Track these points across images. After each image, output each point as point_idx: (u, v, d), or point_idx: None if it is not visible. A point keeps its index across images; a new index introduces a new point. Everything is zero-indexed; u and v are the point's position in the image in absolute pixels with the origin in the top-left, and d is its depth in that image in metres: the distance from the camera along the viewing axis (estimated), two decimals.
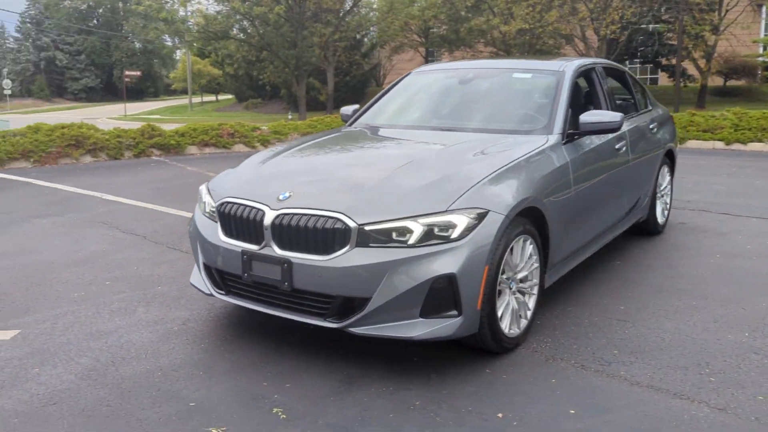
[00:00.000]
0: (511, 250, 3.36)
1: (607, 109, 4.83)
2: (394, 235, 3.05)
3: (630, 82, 5.66)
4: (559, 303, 4.19)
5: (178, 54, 50.40)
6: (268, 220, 3.26)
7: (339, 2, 27.76)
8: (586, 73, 4.95)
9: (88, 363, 3.38)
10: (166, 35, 30.21)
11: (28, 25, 66.77)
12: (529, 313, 3.62)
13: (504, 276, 3.36)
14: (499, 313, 3.31)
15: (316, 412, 2.88)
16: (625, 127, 4.88)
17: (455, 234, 3.06)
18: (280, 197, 3.32)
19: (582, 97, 4.93)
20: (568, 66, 4.62)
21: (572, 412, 2.86)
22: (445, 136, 4.23)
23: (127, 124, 18.83)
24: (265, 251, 3.27)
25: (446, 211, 3.09)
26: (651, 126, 5.51)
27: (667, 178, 6.00)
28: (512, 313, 3.46)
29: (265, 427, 2.76)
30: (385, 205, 3.16)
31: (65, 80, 65.92)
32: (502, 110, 4.51)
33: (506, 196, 3.30)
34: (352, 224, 3.06)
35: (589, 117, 4.12)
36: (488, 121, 4.40)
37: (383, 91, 5.23)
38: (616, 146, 4.65)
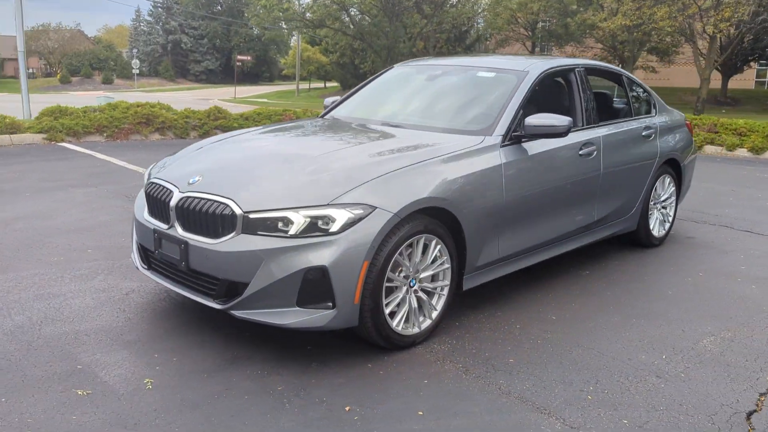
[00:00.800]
0: (411, 248, 3.37)
1: (581, 114, 4.67)
2: (279, 224, 3.15)
3: (627, 86, 5.40)
4: (492, 306, 4.13)
5: (293, 41, 52.01)
6: (174, 202, 3.46)
7: None
8: (561, 75, 4.80)
9: (21, 321, 3.73)
10: (282, 22, 31.16)
11: (159, 9, 71.28)
12: (434, 314, 3.61)
13: (400, 274, 3.38)
14: (388, 310, 3.33)
15: (180, 385, 3.05)
16: (597, 134, 4.69)
17: (334, 228, 3.12)
18: (190, 181, 3.51)
19: (552, 99, 4.78)
20: (533, 66, 4.50)
21: (420, 413, 2.87)
22: (382, 131, 4.27)
23: (236, 107, 19.76)
24: (171, 231, 3.47)
25: (327, 204, 3.16)
26: (645, 133, 5.24)
27: (671, 189, 5.67)
28: (411, 311, 3.47)
29: (129, 393, 2.96)
30: (272, 194, 3.26)
31: (188, 62, 69.88)
32: (452, 109, 4.48)
33: (400, 194, 3.31)
34: (238, 211, 3.20)
35: (533, 120, 4.01)
36: (434, 118, 4.39)
37: (364, 83, 5.31)
38: (581, 152, 4.49)
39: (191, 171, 3.64)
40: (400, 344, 3.46)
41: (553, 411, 2.91)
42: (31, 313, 3.86)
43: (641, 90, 5.67)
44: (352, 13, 26.23)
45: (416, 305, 3.51)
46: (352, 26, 26.76)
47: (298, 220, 3.12)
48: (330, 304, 3.15)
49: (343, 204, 3.17)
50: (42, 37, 71.73)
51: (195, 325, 3.74)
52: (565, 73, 4.81)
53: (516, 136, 4.04)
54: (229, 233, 3.23)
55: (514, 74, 4.47)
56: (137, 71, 55.71)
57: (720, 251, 5.59)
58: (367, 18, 26.04)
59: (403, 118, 4.49)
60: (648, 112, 5.60)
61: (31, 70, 76.14)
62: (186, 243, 3.35)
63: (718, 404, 3.01)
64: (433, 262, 3.55)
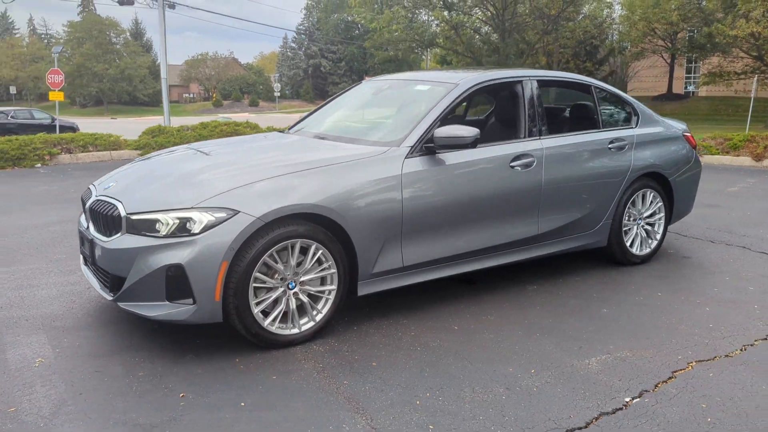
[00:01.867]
0: (289, 251, 3.58)
1: (524, 126, 4.63)
2: (155, 225, 3.49)
3: (596, 97, 5.21)
4: (400, 314, 4.20)
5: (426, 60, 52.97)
6: (88, 204, 3.92)
7: (555, 6, 27.03)
8: (504, 87, 4.79)
9: None
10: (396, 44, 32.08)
11: (303, 36, 75.42)
12: (318, 316, 3.78)
13: (275, 277, 3.59)
14: (258, 309, 3.55)
15: (63, 365, 3.45)
16: (539, 146, 4.61)
17: (196, 229, 3.41)
18: (105, 187, 3.96)
19: (502, 111, 4.78)
20: (465, 79, 4.54)
21: (242, 404, 3.06)
22: (303, 143, 4.50)
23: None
24: (86, 231, 3.93)
25: (191, 207, 3.46)
26: (613, 145, 5.03)
27: (657, 205, 5.36)
28: (289, 312, 3.67)
29: (16, 369, 3.41)
30: (151, 199, 3.62)
31: (327, 84, 73.19)
32: (378, 121, 4.61)
33: (268, 200, 3.52)
34: (123, 213, 3.59)
35: (441, 131, 4.07)
36: (359, 131, 4.56)
37: (332, 96, 5.58)
38: (514, 164, 4.44)
39: (115, 178, 4.09)
40: (275, 343, 3.65)
41: (368, 411, 2.98)
42: (1, 300, 4.48)
43: (617, 101, 5.43)
44: (466, 29, 26.36)
45: (295, 307, 3.69)
46: (461, 43, 26.89)
47: (167, 221, 3.44)
48: (190, 300, 3.43)
49: (206, 207, 3.45)
50: (201, 66, 78.49)
51: (124, 318, 4.15)
52: (508, 85, 4.78)
53: (428, 147, 4.11)
54: (117, 233, 3.61)
55: (444, 87, 4.53)
56: (278, 94, 59.25)
57: (706, 272, 5.20)
58: (478, 34, 26.07)
59: (335, 131, 4.69)
60: (625, 123, 5.36)
61: (191, 95, 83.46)
62: (92, 241, 3.79)
63: (546, 419, 2.93)
64: (317, 266, 3.72)
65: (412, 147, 4.10)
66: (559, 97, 5.83)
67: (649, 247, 5.39)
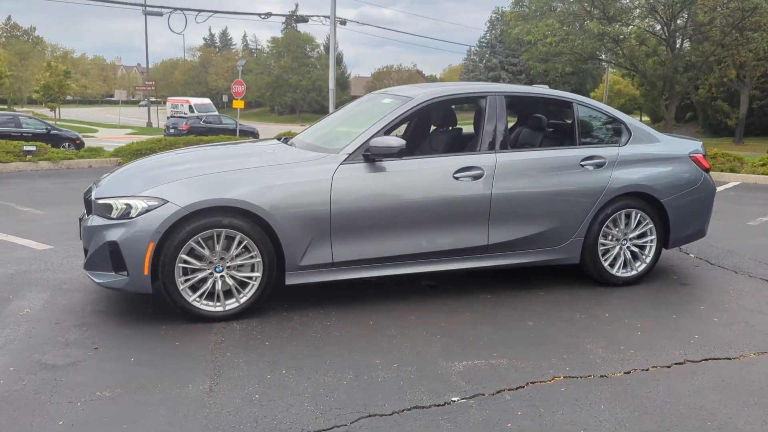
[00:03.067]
0: (214, 239, 4.17)
1: (480, 139, 4.83)
2: (110, 209, 4.23)
3: (576, 113, 5.16)
4: (338, 308, 4.58)
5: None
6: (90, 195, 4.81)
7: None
8: (466, 101, 4.98)
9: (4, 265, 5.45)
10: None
11: (484, 48, 75.86)
12: (243, 299, 4.30)
13: (202, 261, 4.19)
14: (182, 286, 4.17)
15: (35, 315, 4.34)
16: (490, 159, 4.74)
17: (133, 214, 4.12)
18: (103, 178, 4.83)
19: (445, 123, 5.01)
20: (420, 94, 4.83)
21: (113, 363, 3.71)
22: (274, 149, 5.04)
23: None
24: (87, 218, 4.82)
25: (132, 195, 4.18)
26: (587, 163, 4.98)
27: (646, 227, 5.16)
28: (216, 292, 4.25)
29: (2, 311, 4.36)
30: (115, 188, 4.38)
31: None
32: (339, 130, 5.02)
33: (196, 193, 4.14)
34: (92, 198, 4.41)
35: (375, 141, 4.43)
36: (322, 139, 5.04)
37: (334, 110, 6.07)
38: (458, 175, 4.64)
39: (115, 172, 4.93)
40: (199, 317, 4.24)
41: (221, 378, 3.45)
42: (12, 261, 5.57)
43: (606, 119, 5.31)
44: (628, 41, 25.14)
45: (220, 288, 4.26)
46: (623, 56, 25.67)
47: (117, 206, 4.18)
48: (125, 272, 4.14)
49: (143, 196, 4.14)
50: (385, 78, 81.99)
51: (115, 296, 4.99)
52: (471, 100, 4.96)
53: (366, 155, 4.48)
54: (90, 215, 4.44)
55: (401, 100, 4.85)
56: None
57: (682, 294, 4.95)
58: (645, 46, 24.73)
59: (314, 140, 5.13)
60: (611, 141, 5.23)
61: None
62: (81, 222, 4.67)
63: (361, 404, 3.19)
64: (242, 254, 4.27)
65: (350, 154, 4.49)
66: (551, 114, 5.72)
67: (635, 270, 5.21)
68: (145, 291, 4.18)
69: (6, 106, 56.98)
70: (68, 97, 61.59)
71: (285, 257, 4.34)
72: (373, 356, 3.78)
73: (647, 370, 3.67)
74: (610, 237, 5.12)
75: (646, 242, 5.21)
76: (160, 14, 24.48)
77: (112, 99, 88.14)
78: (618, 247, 5.16)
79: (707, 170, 5.45)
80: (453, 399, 3.28)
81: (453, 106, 5.57)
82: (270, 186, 4.26)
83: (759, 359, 3.85)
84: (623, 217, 5.10)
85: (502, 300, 4.83)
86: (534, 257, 4.96)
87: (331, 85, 25.24)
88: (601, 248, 5.08)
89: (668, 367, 3.71)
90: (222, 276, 4.26)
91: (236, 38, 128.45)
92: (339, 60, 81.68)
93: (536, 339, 4.09)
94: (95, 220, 4.28)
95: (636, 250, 5.21)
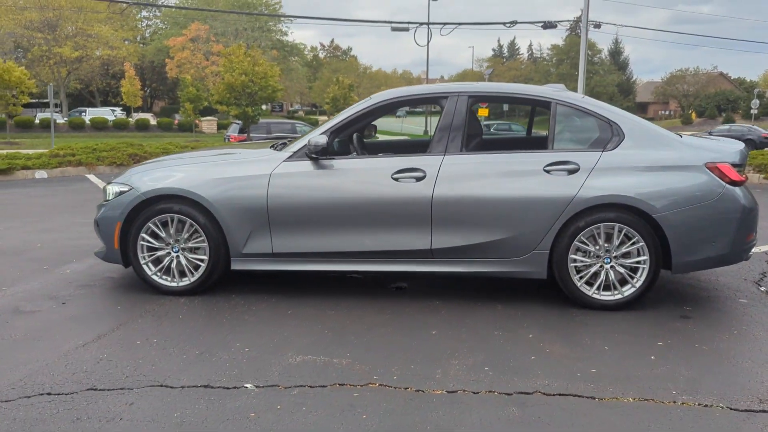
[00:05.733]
0: (169, 223, 4.80)
1: (433, 141, 4.74)
2: (106, 193, 5.13)
3: (555, 115, 4.63)
4: (292, 298, 4.89)
5: None
6: None
7: None
8: (432, 102, 4.87)
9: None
10: None
11: None
12: (193, 278, 4.87)
13: (160, 241, 4.87)
14: (143, 261, 4.89)
15: (70, 276, 5.45)
16: (434, 161, 4.59)
17: (110, 197, 4.97)
18: None
19: None
20: (379, 94, 4.88)
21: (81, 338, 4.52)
22: (252, 147, 5.50)
23: None
24: None
25: (114, 182, 5.02)
26: (552, 168, 4.49)
27: (637, 245, 4.44)
28: (171, 268, 4.89)
29: (50, 271, 5.55)
30: (117, 176, 5.28)
31: None
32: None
33: (154, 182, 4.82)
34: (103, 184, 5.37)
35: (312, 139, 4.64)
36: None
37: None
38: (396, 176, 4.60)
39: None
40: (158, 289, 4.89)
41: (110, 338, 4.07)
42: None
43: (590, 119, 4.63)
44: None
45: (175, 266, 4.87)
46: None
47: (109, 190, 5.06)
48: (104, 245, 4.99)
49: (119, 182, 4.95)
50: (678, 82, 75.33)
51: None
52: (433, 100, 4.82)
53: (307, 153, 4.73)
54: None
55: (363, 100, 4.95)
56: (755, 111, 53.06)
57: (670, 328, 4.16)
58: None
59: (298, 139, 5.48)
60: (596, 144, 4.58)
61: (667, 112, 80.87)
62: None
63: (165, 374, 3.55)
64: (193, 238, 4.84)
65: (294, 152, 4.77)
66: (535, 114, 5.12)
67: (621, 294, 4.53)
68: (117, 262, 4.97)
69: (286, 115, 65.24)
70: None
71: (228, 244, 4.78)
72: (235, 338, 4.02)
73: (478, 393, 3.34)
74: (587, 254, 4.54)
75: (638, 263, 4.50)
76: (407, 29, 26.12)
77: None
78: (598, 266, 4.54)
79: (736, 182, 4.47)
80: (246, 386, 3.41)
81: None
82: (213, 179, 4.74)
83: None
84: (602, 231, 4.48)
85: (449, 308, 4.62)
86: (488, 267, 4.64)
87: (580, 87, 24.47)
88: (572, 264, 4.54)
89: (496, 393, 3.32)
90: (177, 256, 4.86)
91: (523, 48, 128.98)
92: (624, 64, 77.38)
93: (409, 347, 3.91)
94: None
95: (624, 271, 4.53)
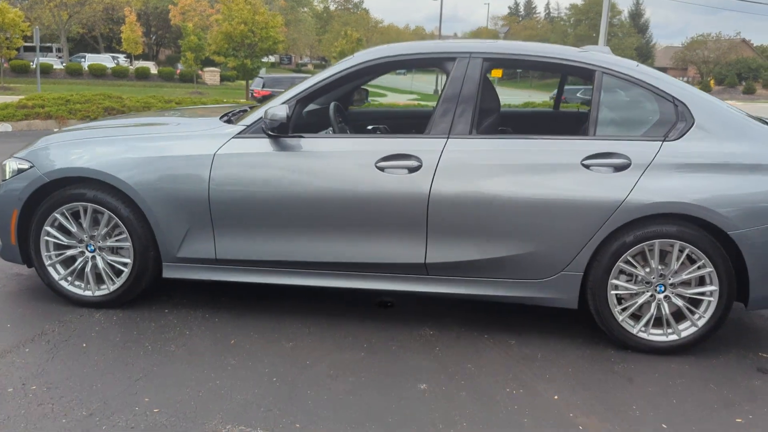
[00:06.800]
0: (81, 214, 3.64)
1: (434, 118, 3.52)
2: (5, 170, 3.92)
3: (600, 89, 3.40)
4: (235, 313, 3.76)
5: None
6: None
7: None
8: (434, 65, 3.65)
9: None
10: None
11: None
12: (113, 287, 3.71)
13: (70, 238, 3.70)
14: (48, 261, 3.72)
15: None
16: (437, 146, 3.39)
17: (8, 176, 3.77)
18: None
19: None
20: (361, 53, 3.67)
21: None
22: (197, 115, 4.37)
23: None
24: None
25: (11, 157, 3.82)
26: (592, 163, 3.29)
27: (703, 270, 3.26)
28: (86, 272, 3.73)
29: None
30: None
31: None
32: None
33: (60, 159, 3.62)
34: None
35: (270, 110, 3.44)
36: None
37: None
38: (381, 164, 3.40)
39: None
40: (68, 299, 3.76)
41: (30, 346, 2.97)
42: None
43: (647, 95, 3.39)
44: None
45: (89, 270, 3.72)
46: None
47: (4, 167, 3.84)
48: (1, 240, 3.82)
49: (18, 157, 3.76)
50: (698, 48, 72.79)
51: None
52: (434, 62, 3.60)
53: (263, 128, 3.52)
54: None
55: (344, 59, 3.72)
56: None
57: (745, 372, 3.02)
58: None
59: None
60: (655, 130, 3.36)
61: (686, 79, 78.50)
62: None
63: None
64: (114, 235, 3.67)
65: (248, 126, 3.58)
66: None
67: (676, 334, 3.37)
68: (17, 262, 3.82)
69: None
70: None
71: (159, 245, 3.62)
72: (146, 387, 2.90)
73: None
74: (632, 278, 3.37)
75: (703, 294, 3.33)
76: None
77: None
78: (648, 296, 3.37)
79: None
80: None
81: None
82: (140, 159, 3.56)
83: None
84: (656, 250, 3.30)
85: (439, 342, 3.48)
86: (500, 290, 3.48)
87: (601, 39, 23.01)
88: (613, 291, 3.37)
89: None
90: (93, 257, 3.71)
91: (540, 6, 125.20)
92: (644, 27, 74.79)
93: (386, 413, 2.78)
94: None
95: (683, 303, 3.36)
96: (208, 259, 3.62)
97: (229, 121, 3.83)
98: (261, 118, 3.51)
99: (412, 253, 3.44)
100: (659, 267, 3.32)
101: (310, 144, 3.51)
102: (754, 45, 77.89)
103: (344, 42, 46.78)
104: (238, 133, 3.56)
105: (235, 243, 3.56)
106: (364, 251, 3.48)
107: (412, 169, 3.37)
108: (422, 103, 20.28)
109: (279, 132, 3.44)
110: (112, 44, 54.99)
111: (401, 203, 3.38)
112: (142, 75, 38.01)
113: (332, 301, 3.97)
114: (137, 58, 50.21)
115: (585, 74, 3.52)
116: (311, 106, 4.22)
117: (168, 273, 3.68)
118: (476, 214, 3.35)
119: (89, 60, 41.57)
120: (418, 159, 3.37)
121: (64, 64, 39.04)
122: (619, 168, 3.28)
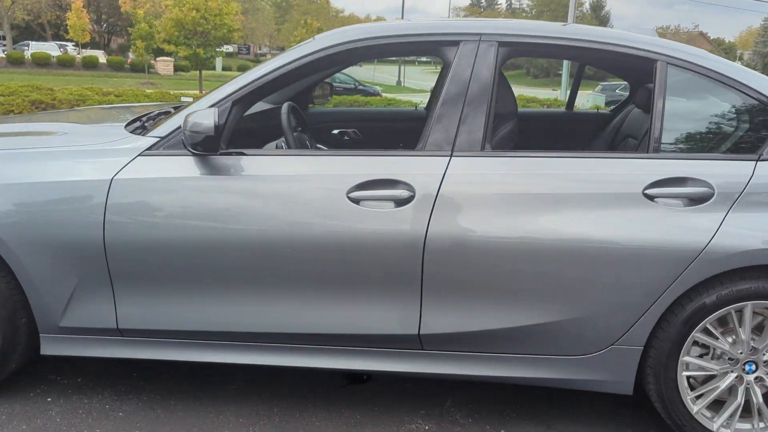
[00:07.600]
0: None
1: (428, 128, 2.45)
2: None
3: (659, 84, 2.41)
4: (180, 378, 2.67)
5: None
6: None
7: None
8: (430, 51, 2.61)
9: None
10: None
11: None
12: None
13: None
14: None
15: None
16: (436, 169, 2.36)
17: None
18: None
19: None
20: (329, 37, 2.58)
21: None
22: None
23: None
24: None
25: None
26: (658, 192, 2.31)
27: None
28: None
29: None
30: None
31: None
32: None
33: None
34: None
35: (191, 117, 2.35)
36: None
37: None
38: (354, 194, 2.35)
39: None
40: None
41: None
42: None
43: (730, 95, 2.43)
44: None
45: None
46: None
47: None
48: None
49: None
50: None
51: None
52: (427, 47, 2.55)
53: (185, 143, 2.41)
54: None
55: (301, 43, 2.65)
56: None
57: None
58: None
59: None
60: (741, 146, 2.40)
61: None
62: None
63: None
64: None
65: (162, 138, 2.48)
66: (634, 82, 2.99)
67: None
68: None
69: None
70: None
71: (33, 309, 2.50)
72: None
73: None
74: (712, 354, 2.39)
75: None
76: None
77: None
78: (734, 376, 2.40)
79: None
80: None
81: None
82: (1, 186, 2.43)
83: None
84: (749, 315, 2.32)
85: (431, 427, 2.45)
86: (522, 370, 2.47)
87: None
88: (685, 373, 2.38)
89: None
90: None
91: None
92: (606, 19, 74.97)
93: None
94: None
95: None
96: (107, 329, 2.52)
97: (140, 129, 2.71)
98: (178, 127, 2.42)
99: (400, 320, 2.41)
100: (750, 338, 2.35)
101: (253, 165, 2.44)
102: (711, 38, 78.97)
103: (304, 32, 45.39)
104: (148, 148, 2.46)
105: (145, 305, 2.48)
106: (333, 318, 2.43)
107: (400, 202, 2.33)
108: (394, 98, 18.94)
109: (205, 148, 2.35)
110: (60, 32, 52.39)
111: (385, 251, 2.34)
112: (90, 64, 35.99)
113: (292, 379, 2.90)
114: (87, 46, 47.90)
115: (643, 63, 2.50)
116: (256, 107, 3.14)
117: (47, 349, 2.57)
118: (491, 266, 2.33)
119: (33, 48, 39.28)
120: (408, 187, 2.33)
121: (5, 53, 36.75)
122: (696, 200, 2.29)
